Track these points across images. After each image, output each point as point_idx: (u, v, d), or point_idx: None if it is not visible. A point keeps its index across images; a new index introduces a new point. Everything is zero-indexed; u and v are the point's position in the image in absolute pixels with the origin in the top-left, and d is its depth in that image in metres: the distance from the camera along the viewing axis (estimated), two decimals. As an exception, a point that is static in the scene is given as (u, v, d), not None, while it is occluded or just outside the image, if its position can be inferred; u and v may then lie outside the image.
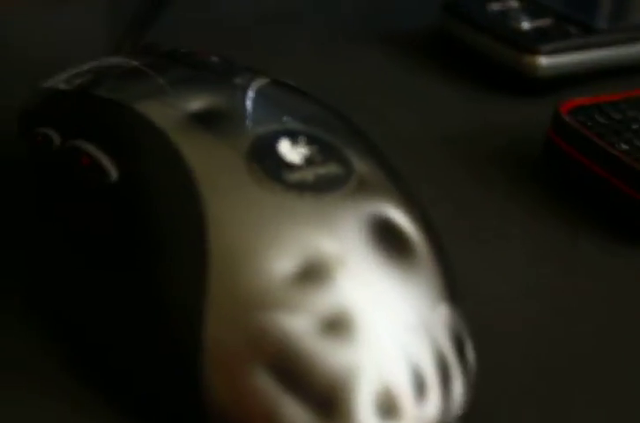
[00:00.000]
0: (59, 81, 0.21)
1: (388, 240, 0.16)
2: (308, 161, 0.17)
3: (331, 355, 0.15)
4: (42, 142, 0.19)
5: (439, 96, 0.29)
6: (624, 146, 0.23)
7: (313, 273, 0.15)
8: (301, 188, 0.16)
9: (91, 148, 0.17)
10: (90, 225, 0.17)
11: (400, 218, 0.17)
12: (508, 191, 0.24)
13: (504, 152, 0.26)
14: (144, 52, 0.21)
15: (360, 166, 0.17)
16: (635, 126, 0.24)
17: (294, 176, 0.16)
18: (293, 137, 0.17)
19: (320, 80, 0.21)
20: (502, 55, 0.29)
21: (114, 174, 0.17)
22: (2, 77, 0.28)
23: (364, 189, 0.17)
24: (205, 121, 0.17)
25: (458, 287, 0.17)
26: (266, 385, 0.15)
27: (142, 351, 0.16)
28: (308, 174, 0.16)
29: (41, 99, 0.21)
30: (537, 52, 0.28)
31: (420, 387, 0.15)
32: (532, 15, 0.31)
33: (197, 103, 0.18)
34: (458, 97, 0.29)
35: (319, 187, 0.16)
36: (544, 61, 0.28)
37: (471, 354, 0.17)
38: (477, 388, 0.16)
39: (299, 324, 0.15)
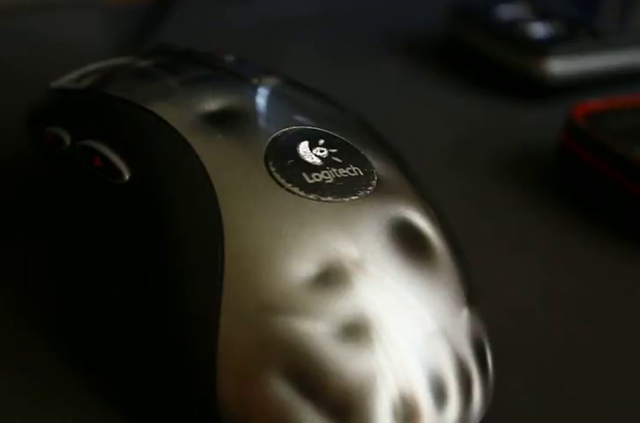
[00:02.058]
0: (68, 81, 0.20)
1: (408, 244, 0.16)
2: (328, 163, 0.16)
3: (349, 361, 0.14)
4: (52, 142, 0.18)
5: (450, 101, 0.29)
6: (638, 151, 0.23)
7: (331, 277, 0.15)
8: (321, 190, 0.16)
9: (103, 148, 0.17)
10: (102, 225, 0.17)
11: (420, 221, 0.16)
12: (521, 197, 0.24)
13: (517, 156, 0.26)
14: (157, 52, 0.21)
15: (380, 168, 0.17)
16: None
17: (314, 178, 0.16)
18: (312, 138, 0.17)
19: (331, 88, 0.21)
20: (511, 59, 0.29)
21: (126, 174, 0.17)
22: (6, 79, 0.28)
23: (384, 191, 0.16)
24: (220, 121, 0.17)
25: (478, 293, 0.17)
26: (281, 391, 0.14)
27: (155, 355, 0.16)
28: (328, 177, 0.16)
29: (50, 98, 0.20)
30: (547, 56, 0.28)
31: (439, 394, 0.15)
32: (541, 19, 0.31)
33: (211, 103, 0.17)
34: (470, 102, 0.29)
35: (339, 189, 0.16)
36: (555, 64, 0.28)
37: (490, 360, 0.16)
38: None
39: (316, 329, 0.14)
